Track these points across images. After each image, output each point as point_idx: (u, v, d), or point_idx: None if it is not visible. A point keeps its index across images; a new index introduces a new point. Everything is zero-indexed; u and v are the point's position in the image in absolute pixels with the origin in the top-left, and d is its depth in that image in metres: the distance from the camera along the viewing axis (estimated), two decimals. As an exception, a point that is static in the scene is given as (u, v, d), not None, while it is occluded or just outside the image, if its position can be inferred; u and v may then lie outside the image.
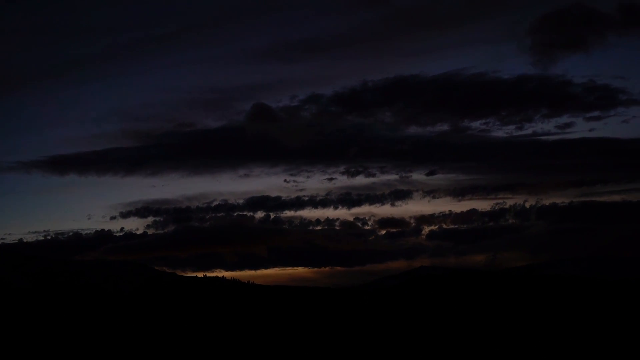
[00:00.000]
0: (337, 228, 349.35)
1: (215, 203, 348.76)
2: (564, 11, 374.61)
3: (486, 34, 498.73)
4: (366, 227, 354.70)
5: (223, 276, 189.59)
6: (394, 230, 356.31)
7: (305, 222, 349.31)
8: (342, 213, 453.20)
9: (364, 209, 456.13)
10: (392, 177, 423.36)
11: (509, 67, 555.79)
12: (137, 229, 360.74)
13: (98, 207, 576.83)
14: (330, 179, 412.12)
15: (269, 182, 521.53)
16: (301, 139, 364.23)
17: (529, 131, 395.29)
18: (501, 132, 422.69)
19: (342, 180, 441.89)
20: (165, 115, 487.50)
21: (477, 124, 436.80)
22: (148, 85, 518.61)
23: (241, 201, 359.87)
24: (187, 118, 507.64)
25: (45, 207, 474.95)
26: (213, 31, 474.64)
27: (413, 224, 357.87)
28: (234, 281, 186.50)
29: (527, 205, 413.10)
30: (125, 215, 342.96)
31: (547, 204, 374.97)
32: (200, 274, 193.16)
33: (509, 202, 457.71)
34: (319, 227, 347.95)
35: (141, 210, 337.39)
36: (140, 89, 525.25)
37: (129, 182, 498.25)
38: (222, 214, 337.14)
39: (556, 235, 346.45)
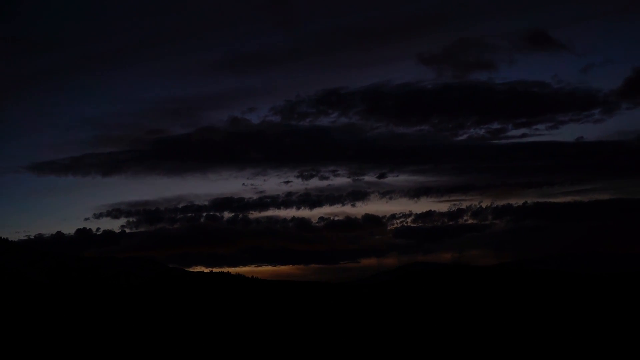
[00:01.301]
0: (304, 227, 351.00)
1: (182, 204, 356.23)
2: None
3: (410, 49, 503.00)
4: (331, 227, 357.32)
5: (228, 271, 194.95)
6: (359, 229, 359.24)
7: (273, 222, 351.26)
8: (305, 213, 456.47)
9: (325, 210, 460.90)
10: (345, 179, 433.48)
11: (432, 78, 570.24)
12: (115, 229, 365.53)
13: (78, 208, 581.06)
14: (287, 182, 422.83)
15: (228, 184, 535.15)
16: (255, 145, 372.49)
17: (465, 137, 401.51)
18: (439, 138, 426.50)
19: (298, 183, 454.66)
20: (133, 123, 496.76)
21: (412, 131, 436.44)
22: (115, 95, 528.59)
23: (206, 202, 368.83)
24: (154, 126, 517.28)
25: (27, 209, 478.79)
26: (171, 45, 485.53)
27: (376, 224, 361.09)
28: (239, 276, 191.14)
29: (484, 205, 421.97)
30: (100, 216, 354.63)
31: (502, 204, 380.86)
32: (207, 270, 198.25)
33: (465, 203, 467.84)
34: (286, 227, 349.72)
35: (117, 212, 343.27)
36: (107, 99, 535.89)
37: (106, 185, 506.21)
38: (190, 214, 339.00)
39: (518, 233, 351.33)
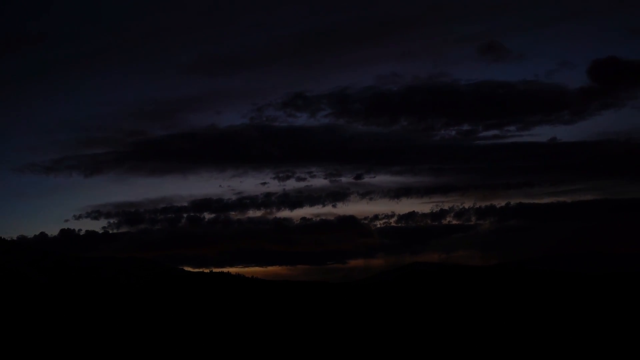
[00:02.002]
0: (286, 228, 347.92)
1: (163, 205, 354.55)
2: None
3: (376, 52, 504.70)
4: (314, 227, 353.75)
5: (228, 271, 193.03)
6: (343, 230, 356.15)
7: (255, 223, 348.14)
8: (286, 214, 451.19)
9: (306, 210, 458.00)
10: (322, 181, 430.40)
11: (398, 81, 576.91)
12: (98, 230, 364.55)
13: (60, 210, 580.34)
14: (264, 183, 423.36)
15: (207, 186, 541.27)
16: (232, 146, 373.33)
17: (437, 138, 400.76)
18: (412, 139, 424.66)
19: (275, 185, 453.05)
20: (113, 125, 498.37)
21: (385, 132, 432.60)
22: (93, 97, 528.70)
23: (186, 204, 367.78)
24: (134, 127, 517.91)
25: (9, 210, 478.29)
26: (147, 47, 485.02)
27: (360, 224, 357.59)
28: (239, 276, 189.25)
29: (466, 206, 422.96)
30: (81, 217, 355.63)
31: (485, 205, 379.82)
32: (207, 270, 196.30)
33: (447, 204, 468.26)
34: (268, 227, 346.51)
35: (97, 213, 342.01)
36: (86, 101, 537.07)
37: (87, 187, 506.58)
38: (171, 215, 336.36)
39: (504, 234, 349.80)
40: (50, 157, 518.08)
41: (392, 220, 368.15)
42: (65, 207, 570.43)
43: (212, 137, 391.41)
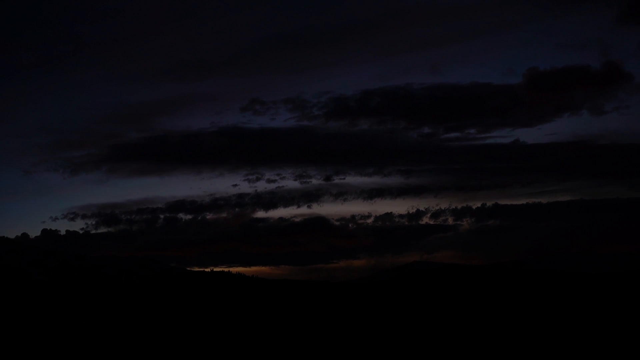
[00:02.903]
0: (265, 229, 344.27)
1: (140, 207, 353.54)
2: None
3: (333, 57, 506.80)
4: (292, 228, 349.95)
5: (229, 270, 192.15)
6: (321, 230, 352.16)
7: (231, 223, 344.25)
8: (261, 215, 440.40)
9: (281, 212, 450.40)
10: (292, 182, 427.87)
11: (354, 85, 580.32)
12: (78, 230, 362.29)
13: (39, 212, 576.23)
14: (235, 185, 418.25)
15: (182, 187, 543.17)
16: (203, 148, 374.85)
17: (401, 140, 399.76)
18: (377, 141, 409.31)
19: (245, 186, 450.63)
20: (88, 128, 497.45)
21: (349, 135, 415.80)
22: (67, 101, 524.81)
23: (162, 205, 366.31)
24: (109, 130, 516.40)
25: None
26: (118, 50, 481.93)
27: (338, 225, 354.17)
28: (239, 275, 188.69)
29: (442, 207, 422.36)
30: (59, 218, 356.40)
31: (461, 206, 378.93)
32: (207, 269, 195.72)
33: (422, 205, 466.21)
34: (246, 228, 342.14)
35: (74, 215, 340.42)
36: (60, 105, 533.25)
37: (67, 188, 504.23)
38: (147, 216, 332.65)
39: (485, 235, 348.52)
40: (29, 160, 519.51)
41: (370, 220, 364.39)
42: (46, 209, 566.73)
43: (186, 140, 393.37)
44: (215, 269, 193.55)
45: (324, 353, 44.42)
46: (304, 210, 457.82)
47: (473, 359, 40.21)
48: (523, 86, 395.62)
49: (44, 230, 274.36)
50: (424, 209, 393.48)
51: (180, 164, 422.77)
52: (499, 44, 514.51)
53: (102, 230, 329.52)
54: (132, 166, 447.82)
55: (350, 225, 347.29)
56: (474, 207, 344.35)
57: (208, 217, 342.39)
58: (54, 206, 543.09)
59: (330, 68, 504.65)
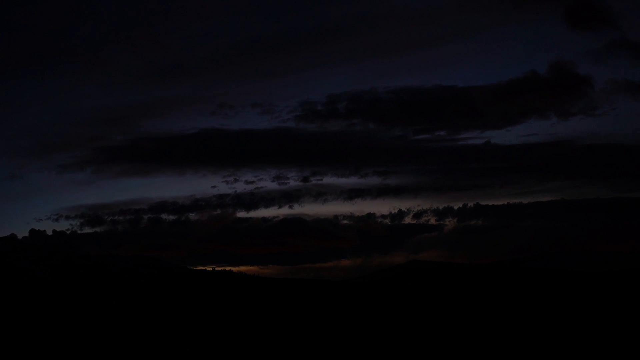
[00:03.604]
0: (250, 229, 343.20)
1: (124, 208, 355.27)
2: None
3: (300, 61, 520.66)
4: (276, 228, 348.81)
5: (230, 269, 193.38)
6: (305, 231, 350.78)
7: (214, 224, 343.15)
8: (243, 215, 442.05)
9: (263, 212, 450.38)
10: (270, 183, 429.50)
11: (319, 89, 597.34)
12: (68, 230, 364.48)
13: (24, 213, 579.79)
14: (214, 186, 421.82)
15: (163, 189, 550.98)
16: (184, 150, 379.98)
17: (375, 142, 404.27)
18: (350, 142, 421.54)
19: (224, 187, 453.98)
20: (72, 131, 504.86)
21: (321, 136, 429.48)
22: (50, 104, 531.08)
23: (146, 206, 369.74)
24: (93, 133, 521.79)
25: None
26: (100, 54, 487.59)
27: (321, 225, 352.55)
28: (241, 274, 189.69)
29: (424, 207, 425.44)
30: (51, 219, 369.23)
31: (442, 207, 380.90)
32: (210, 268, 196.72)
33: (403, 205, 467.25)
34: (230, 228, 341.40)
35: (58, 216, 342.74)
36: (42, 108, 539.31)
37: (53, 190, 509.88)
38: (130, 217, 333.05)
39: (469, 234, 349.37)
40: (14, 163, 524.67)
41: (352, 221, 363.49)
42: (32, 211, 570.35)
43: (167, 143, 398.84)
44: (217, 268, 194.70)
45: (334, 350, 45.56)
46: (285, 210, 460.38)
47: (476, 355, 41.57)
48: (488, 89, 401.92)
49: (32, 231, 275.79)
50: (405, 210, 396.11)
51: (163, 166, 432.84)
52: (462, 49, 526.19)
53: (88, 230, 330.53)
54: (117, 168, 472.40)
55: (333, 226, 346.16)
56: (455, 208, 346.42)
57: (191, 217, 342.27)
58: (40, 208, 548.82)
59: (298, 73, 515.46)
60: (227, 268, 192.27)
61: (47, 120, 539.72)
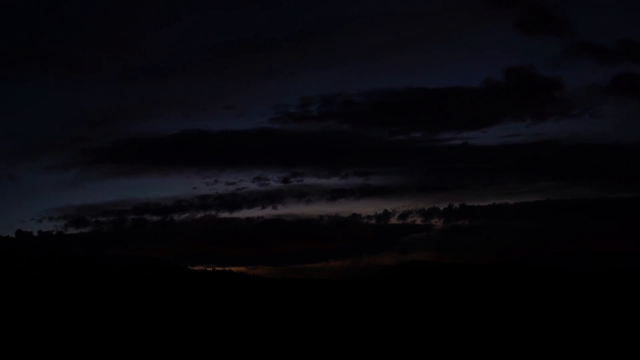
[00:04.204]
0: (234, 230, 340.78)
1: (108, 209, 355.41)
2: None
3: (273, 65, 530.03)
4: (261, 229, 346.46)
5: (230, 269, 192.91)
6: (291, 231, 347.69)
7: (197, 224, 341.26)
8: (226, 216, 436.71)
9: (246, 213, 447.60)
10: (251, 184, 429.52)
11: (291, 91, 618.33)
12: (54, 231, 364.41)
13: (13, 213, 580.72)
14: (194, 187, 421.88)
15: (147, 190, 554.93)
16: (169, 154, 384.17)
17: (352, 142, 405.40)
18: (326, 142, 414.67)
19: (206, 188, 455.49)
20: (55, 134, 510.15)
21: (299, 137, 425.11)
22: (33, 107, 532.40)
23: (129, 207, 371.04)
24: (77, 135, 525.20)
25: None
26: (72, 59, 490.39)
27: (307, 225, 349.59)
28: (240, 274, 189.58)
29: (409, 208, 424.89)
30: (36, 220, 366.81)
31: (427, 207, 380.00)
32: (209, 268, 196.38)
33: (388, 206, 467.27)
34: (213, 229, 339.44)
35: (43, 217, 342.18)
36: (27, 111, 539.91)
37: (39, 191, 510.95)
38: (114, 217, 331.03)
39: (458, 235, 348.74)
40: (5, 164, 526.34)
41: (337, 221, 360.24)
42: (17, 212, 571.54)
43: (150, 144, 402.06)
44: (217, 268, 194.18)
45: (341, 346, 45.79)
46: (269, 211, 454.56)
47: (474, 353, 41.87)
48: (460, 91, 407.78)
49: (18, 232, 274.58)
50: (391, 210, 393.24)
51: (146, 167, 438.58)
52: (430, 53, 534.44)
53: (74, 231, 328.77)
54: (101, 169, 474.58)
55: (319, 226, 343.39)
56: (441, 208, 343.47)
57: (176, 219, 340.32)
58: (25, 209, 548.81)
59: (271, 76, 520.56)
60: (227, 268, 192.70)
61: (30, 123, 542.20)
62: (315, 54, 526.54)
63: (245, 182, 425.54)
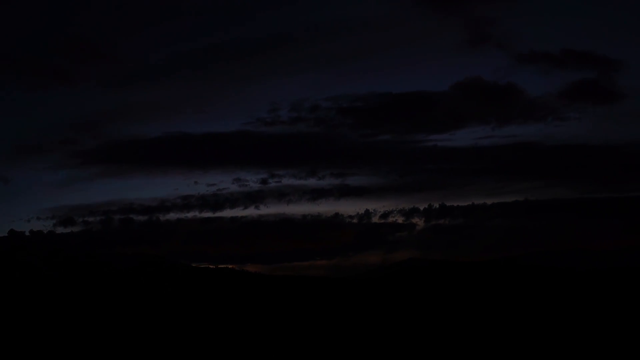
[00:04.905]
0: (219, 230, 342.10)
1: (94, 210, 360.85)
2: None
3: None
4: (246, 229, 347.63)
5: (233, 267, 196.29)
6: (275, 231, 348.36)
7: (182, 225, 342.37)
8: (209, 215, 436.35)
9: (230, 213, 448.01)
10: (230, 185, 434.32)
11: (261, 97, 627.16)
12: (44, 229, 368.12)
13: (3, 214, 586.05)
14: (175, 189, 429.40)
15: (133, 191, 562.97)
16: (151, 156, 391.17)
17: (323, 143, 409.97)
18: (302, 143, 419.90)
19: (185, 189, 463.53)
20: (43, 136, 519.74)
21: (273, 138, 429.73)
22: (19, 111, 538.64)
23: (115, 207, 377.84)
24: (65, 137, 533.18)
25: None
26: (52, 66, 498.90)
27: (290, 225, 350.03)
28: (243, 271, 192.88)
29: (389, 208, 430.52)
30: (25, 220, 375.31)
31: (408, 208, 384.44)
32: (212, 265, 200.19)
33: (369, 206, 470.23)
34: (197, 229, 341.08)
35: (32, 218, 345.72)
36: (13, 114, 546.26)
37: (29, 192, 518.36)
38: (100, 217, 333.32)
39: (440, 234, 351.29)
40: None
41: (320, 221, 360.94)
42: (7, 212, 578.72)
43: (135, 146, 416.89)
44: (219, 266, 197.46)
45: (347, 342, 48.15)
46: (252, 211, 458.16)
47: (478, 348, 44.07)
48: (425, 95, 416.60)
49: (11, 231, 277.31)
50: (372, 210, 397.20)
51: (132, 169, 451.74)
52: (392, 59, 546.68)
53: (63, 231, 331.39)
54: (89, 171, 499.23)
55: (302, 226, 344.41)
56: (421, 208, 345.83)
57: (161, 218, 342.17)
58: (17, 209, 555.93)
59: (243, 81, 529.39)
60: (230, 266, 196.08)
61: (18, 126, 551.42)
62: (282, 61, 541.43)
63: (225, 183, 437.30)
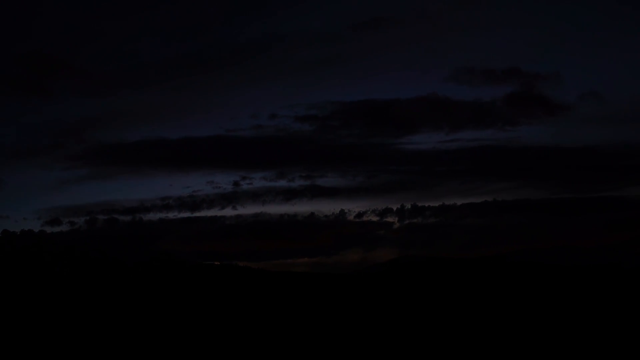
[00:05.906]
0: (203, 229, 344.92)
1: (79, 211, 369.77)
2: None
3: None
4: (229, 229, 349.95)
5: (237, 264, 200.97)
6: (255, 231, 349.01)
7: (166, 225, 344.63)
8: (186, 215, 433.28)
9: (207, 213, 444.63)
10: (204, 186, 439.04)
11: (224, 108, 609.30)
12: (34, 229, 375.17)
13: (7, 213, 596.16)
14: (155, 190, 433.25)
15: (121, 192, 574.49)
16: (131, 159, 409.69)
17: (291, 146, 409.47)
18: (273, 145, 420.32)
19: (163, 190, 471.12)
20: (30, 142, 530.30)
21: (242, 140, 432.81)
22: (8, 117, 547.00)
23: (100, 208, 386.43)
24: (52, 142, 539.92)
25: None
26: (29, 81, 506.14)
27: (269, 224, 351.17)
28: (246, 267, 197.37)
29: (363, 209, 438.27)
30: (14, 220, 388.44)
31: (381, 208, 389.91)
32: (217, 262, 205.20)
33: (344, 206, 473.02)
34: (181, 229, 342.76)
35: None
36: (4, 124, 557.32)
37: (22, 193, 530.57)
38: (86, 217, 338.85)
39: (415, 233, 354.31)
40: None
41: (297, 220, 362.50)
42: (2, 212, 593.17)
43: (118, 150, 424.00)
44: (223, 262, 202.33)
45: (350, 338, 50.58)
46: (229, 211, 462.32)
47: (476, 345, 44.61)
48: (378, 104, 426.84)
49: (5, 231, 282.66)
50: (347, 210, 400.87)
51: (116, 172, 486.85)
52: (346, 70, 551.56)
53: (51, 230, 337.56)
54: (77, 173, 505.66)
55: (280, 225, 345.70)
56: (394, 209, 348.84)
57: (144, 219, 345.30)
58: (9, 209, 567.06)
59: (214, 91, 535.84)
60: (234, 262, 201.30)
61: (5, 132, 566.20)
62: (241, 72, 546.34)
63: (200, 184, 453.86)
